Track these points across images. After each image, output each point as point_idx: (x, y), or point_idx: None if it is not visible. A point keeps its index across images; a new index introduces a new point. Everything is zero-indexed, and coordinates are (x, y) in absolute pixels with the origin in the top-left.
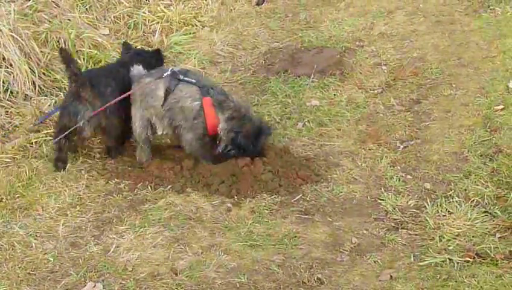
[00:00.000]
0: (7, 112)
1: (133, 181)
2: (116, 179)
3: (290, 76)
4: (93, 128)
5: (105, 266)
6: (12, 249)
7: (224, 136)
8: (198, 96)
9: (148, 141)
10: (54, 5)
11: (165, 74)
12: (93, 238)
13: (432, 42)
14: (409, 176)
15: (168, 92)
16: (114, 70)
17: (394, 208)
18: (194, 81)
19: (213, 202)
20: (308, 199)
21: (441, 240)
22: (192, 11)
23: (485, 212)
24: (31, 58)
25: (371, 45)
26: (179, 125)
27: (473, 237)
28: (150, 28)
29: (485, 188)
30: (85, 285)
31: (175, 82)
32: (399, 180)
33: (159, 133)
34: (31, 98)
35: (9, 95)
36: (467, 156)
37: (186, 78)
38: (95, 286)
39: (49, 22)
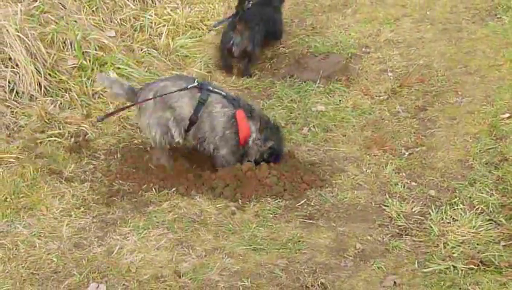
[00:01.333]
0: (12, 112)
1: (137, 183)
2: (120, 181)
3: (295, 81)
4: (240, 51)
5: (108, 267)
6: (16, 248)
7: (254, 147)
8: (231, 108)
9: (168, 147)
10: (61, 6)
11: (191, 86)
12: (96, 239)
13: (438, 50)
14: (413, 183)
15: (201, 103)
16: (262, 11)
17: (399, 215)
18: (224, 93)
19: (217, 205)
20: (312, 203)
21: (445, 247)
22: (198, 15)
23: (489, 220)
24: (37, 58)
25: (377, 52)
26: (203, 137)
27: (477, 244)
28: (156, 31)
29: (490, 196)
30: (88, 286)
31: (206, 93)
32: (404, 186)
33: (176, 140)
34: (36, 98)
35: (15, 95)
36: (472, 163)
37: (216, 90)
38: (98, 286)
39: (56, 23)
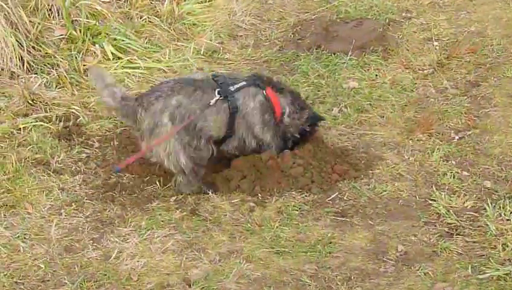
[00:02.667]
0: None
1: (138, 175)
2: (118, 173)
3: (323, 53)
4: None
5: (105, 274)
6: None
7: (291, 122)
8: (259, 91)
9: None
10: None
11: (213, 101)
12: (91, 241)
13: (492, 14)
14: (465, 173)
15: (234, 113)
16: None
17: (448, 211)
18: (244, 82)
19: (233, 201)
20: (345, 198)
21: (504, 249)
22: None
23: None
24: (18, 29)
25: (419, 17)
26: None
27: None
28: None
29: None
30: None
31: (234, 100)
32: (453, 177)
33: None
34: (18, 76)
35: None
36: None
37: (237, 85)
38: None
39: None
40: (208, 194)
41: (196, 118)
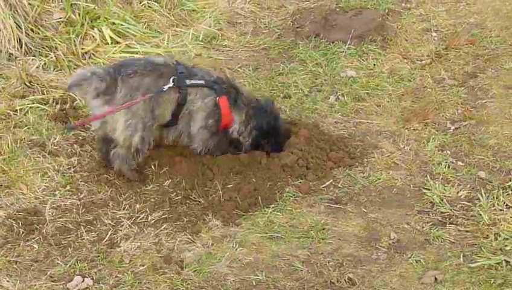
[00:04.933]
0: None
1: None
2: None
3: (322, 41)
4: None
5: (98, 256)
6: None
7: (239, 137)
8: (213, 95)
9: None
10: None
11: (166, 88)
12: (85, 223)
13: (492, 5)
14: (460, 163)
15: (181, 105)
16: None
17: (442, 200)
18: (202, 81)
19: (228, 186)
20: (340, 185)
21: (496, 239)
22: None
23: None
24: (16, 11)
25: (419, 7)
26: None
27: None
28: None
29: None
30: (73, 277)
31: (184, 93)
32: (448, 167)
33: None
34: (16, 58)
35: None
36: None
37: (193, 82)
38: (83, 280)
39: None
40: (132, 181)
41: (152, 99)
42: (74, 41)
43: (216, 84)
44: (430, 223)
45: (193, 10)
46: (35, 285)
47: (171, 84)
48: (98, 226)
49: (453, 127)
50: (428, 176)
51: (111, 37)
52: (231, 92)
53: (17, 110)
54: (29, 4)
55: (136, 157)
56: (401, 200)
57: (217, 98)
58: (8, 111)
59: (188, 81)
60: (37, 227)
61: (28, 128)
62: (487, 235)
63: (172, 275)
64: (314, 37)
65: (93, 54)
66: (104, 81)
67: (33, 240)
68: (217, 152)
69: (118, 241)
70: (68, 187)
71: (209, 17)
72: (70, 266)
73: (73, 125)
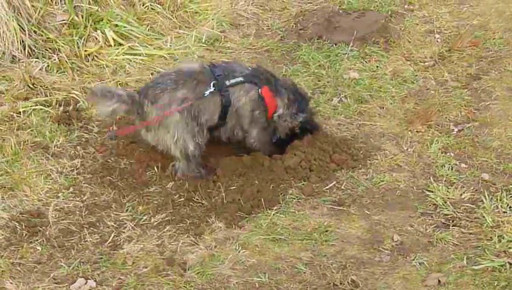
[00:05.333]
0: None
1: (136, 160)
2: (116, 157)
3: (325, 43)
4: None
5: (101, 258)
6: None
7: (281, 123)
8: (255, 88)
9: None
10: None
11: (207, 93)
12: (88, 225)
13: (495, 7)
14: (463, 165)
15: (226, 107)
16: None
17: (445, 202)
18: (241, 78)
19: (231, 188)
20: (343, 187)
21: (500, 241)
22: None
23: None
24: (20, 13)
25: (422, 9)
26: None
27: None
28: None
29: None
30: (76, 280)
31: (227, 95)
32: (452, 169)
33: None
34: (19, 60)
35: None
36: None
37: (233, 81)
38: (86, 283)
39: None
40: (206, 179)
41: (194, 106)
42: (77, 43)
43: (254, 77)
44: (434, 226)
45: (196, 12)
46: (38, 287)
47: (211, 89)
48: (101, 228)
49: (456, 129)
50: (431, 178)
51: (114, 39)
52: (270, 80)
53: (20, 112)
54: (33, 6)
55: (197, 163)
56: (404, 202)
57: (259, 90)
58: (12, 113)
59: (227, 82)
60: (40, 229)
61: (31, 130)
62: (491, 237)
63: (175, 277)
64: (317, 39)
65: (96, 56)
66: (125, 105)
67: (36, 242)
68: (267, 147)
69: (121, 243)
70: (71, 189)
71: (212, 19)
72: (73, 268)
73: (112, 135)
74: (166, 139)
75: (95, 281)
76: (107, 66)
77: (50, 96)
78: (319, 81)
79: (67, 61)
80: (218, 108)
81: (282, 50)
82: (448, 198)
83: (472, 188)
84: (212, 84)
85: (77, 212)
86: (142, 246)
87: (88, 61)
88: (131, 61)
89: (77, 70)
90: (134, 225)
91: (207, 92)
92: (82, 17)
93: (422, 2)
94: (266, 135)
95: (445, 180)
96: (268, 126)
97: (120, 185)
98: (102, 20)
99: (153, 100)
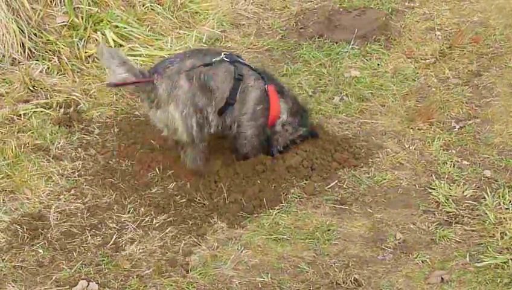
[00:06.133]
0: None
1: (137, 161)
2: (117, 159)
3: (325, 42)
4: None
5: (103, 260)
6: None
7: (282, 132)
8: (263, 82)
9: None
10: None
11: (219, 58)
12: (89, 227)
13: (495, 4)
14: (465, 162)
15: (238, 80)
16: None
17: (447, 199)
18: (252, 66)
19: (232, 187)
20: (345, 186)
21: (502, 238)
22: None
23: None
24: (19, 15)
25: (422, 6)
26: (234, 118)
27: None
28: None
29: None
30: (78, 282)
31: (241, 67)
32: (453, 166)
33: (213, 130)
34: (19, 62)
35: None
36: None
37: (245, 62)
38: (88, 285)
39: None
40: (204, 173)
41: (207, 77)
42: (77, 45)
43: (261, 73)
44: (436, 223)
45: (196, 12)
46: None
47: (222, 56)
48: (103, 230)
49: (457, 126)
50: (433, 175)
51: (114, 40)
52: (276, 81)
53: (20, 114)
54: (32, 8)
55: (200, 146)
56: (406, 200)
57: (266, 86)
58: (12, 116)
59: (238, 58)
60: (42, 232)
61: (32, 132)
62: (493, 234)
63: (177, 278)
64: (318, 38)
65: (96, 57)
66: (135, 78)
67: (38, 245)
68: (255, 153)
69: (123, 245)
70: (73, 191)
71: (212, 19)
72: (75, 270)
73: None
74: (175, 115)
75: (98, 283)
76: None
77: (50, 98)
78: (320, 79)
79: (68, 63)
80: (230, 82)
81: (283, 49)
82: (450, 195)
83: (474, 185)
84: (223, 54)
85: (79, 214)
86: (144, 247)
87: (88, 63)
88: (131, 62)
89: (77, 72)
90: (136, 227)
91: (218, 58)
92: (82, 18)
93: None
94: (258, 141)
95: (447, 178)
96: (265, 134)
97: (122, 187)
98: (102, 21)
99: (162, 72)
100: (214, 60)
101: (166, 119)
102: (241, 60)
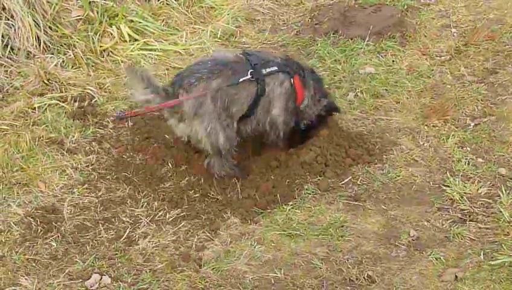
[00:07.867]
0: (7, 71)
1: (151, 156)
2: (131, 153)
3: (340, 38)
4: None
5: (116, 254)
6: (9, 231)
7: (306, 110)
8: (288, 78)
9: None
10: None
11: (245, 78)
12: (103, 221)
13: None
14: (480, 159)
15: (259, 96)
16: None
17: (462, 197)
18: (276, 67)
19: (246, 183)
20: (359, 182)
21: None
22: None
23: None
24: (35, 9)
25: (438, 3)
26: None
27: None
28: None
29: None
30: (91, 275)
31: (263, 83)
32: (468, 163)
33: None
34: (34, 55)
35: (10, 51)
36: None
37: (268, 69)
38: (101, 278)
39: None
40: (240, 177)
41: (226, 95)
42: (92, 39)
43: (286, 66)
44: (450, 221)
45: (211, 7)
46: (53, 283)
47: (248, 76)
48: (116, 224)
49: (472, 124)
50: (448, 173)
51: (129, 35)
52: (298, 69)
53: (35, 108)
54: (48, 2)
55: (229, 156)
56: (420, 197)
57: (292, 79)
58: (27, 109)
59: (264, 71)
60: (55, 225)
61: (47, 126)
62: (508, 232)
63: (190, 272)
64: (333, 34)
65: (111, 51)
66: (160, 98)
67: (51, 238)
68: (287, 132)
69: (136, 239)
70: (86, 185)
71: (228, 14)
72: (88, 264)
73: (122, 114)
74: (200, 130)
75: (110, 277)
76: (122, 62)
77: (65, 92)
78: (335, 76)
79: (83, 57)
80: (252, 97)
81: (298, 45)
82: (464, 193)
83: (489, 182)
84: (249, 72)
85: (92, 208)
86: (157, 241)
87: (103, 57)
88: (146, 56)
89: (92, 66)
90: (150, 221)
91: (241, 79)
92: (97, 12)
93: None
94: (291, 120)
95: (461, 175)
96: (296, 113)
97: (135, 181)
98: (117, 15)
99: (188, 89)
100: (240, 80)
101: (190, 132)
102: (264, 68)
